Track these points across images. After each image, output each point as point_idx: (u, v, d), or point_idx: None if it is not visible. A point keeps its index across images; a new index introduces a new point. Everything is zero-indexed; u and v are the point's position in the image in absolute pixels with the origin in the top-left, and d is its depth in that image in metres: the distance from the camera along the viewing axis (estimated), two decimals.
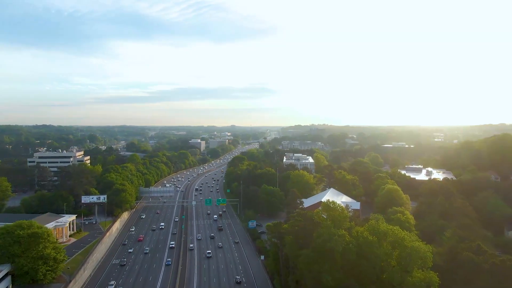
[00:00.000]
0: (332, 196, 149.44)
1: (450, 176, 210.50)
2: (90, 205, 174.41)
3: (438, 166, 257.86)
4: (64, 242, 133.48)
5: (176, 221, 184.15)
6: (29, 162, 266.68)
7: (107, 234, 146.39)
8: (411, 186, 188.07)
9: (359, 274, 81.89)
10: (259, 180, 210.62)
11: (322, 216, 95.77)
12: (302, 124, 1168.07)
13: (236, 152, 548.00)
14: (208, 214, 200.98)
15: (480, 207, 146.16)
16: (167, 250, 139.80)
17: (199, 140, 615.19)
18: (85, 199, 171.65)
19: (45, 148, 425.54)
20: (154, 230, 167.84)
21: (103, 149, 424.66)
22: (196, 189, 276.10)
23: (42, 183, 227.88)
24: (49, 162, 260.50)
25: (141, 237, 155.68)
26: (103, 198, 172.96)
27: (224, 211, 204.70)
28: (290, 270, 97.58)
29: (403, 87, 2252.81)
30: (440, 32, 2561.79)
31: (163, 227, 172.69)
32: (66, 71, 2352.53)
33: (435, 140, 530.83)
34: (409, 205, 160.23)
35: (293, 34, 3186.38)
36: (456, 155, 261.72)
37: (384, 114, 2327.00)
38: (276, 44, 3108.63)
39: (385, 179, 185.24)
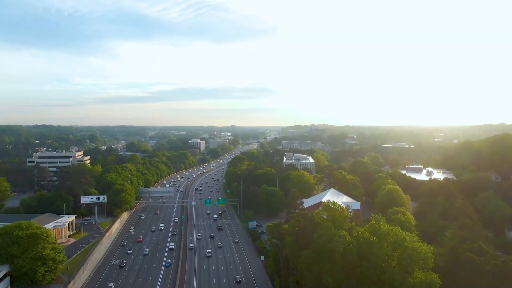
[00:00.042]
0: (332, 196, 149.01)
1: (450, 176, 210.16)
2: (90, 206, 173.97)
3: (438, 166, 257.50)
4: (64, 243, 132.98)
5: (176, 221, 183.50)
6: (29, 162, 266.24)
7: (107, 234, 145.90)
8: (411, 186, 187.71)
9: (359, 275, 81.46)
10: (259, 180, 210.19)
11: (323, 217, 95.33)
12: (302, 124, 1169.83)
13: (236, 152, 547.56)
14: (208, 214, 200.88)
15: (480, 207, 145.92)
16: (166, 251, 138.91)
17: (199, 140, 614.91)
18: (85, 200, 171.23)
19: (44, 148, 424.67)
20: (153, 231, 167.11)
21: (103, 149, 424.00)
22: (196, 189, 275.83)
23: (41, 183, 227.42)
24: (48, 162, 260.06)
25: (140, 238, 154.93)
26: (102, 198, 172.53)
27: (224, 211, 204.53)
28: (291, 270, 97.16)
29: (403, 87, 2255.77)
30: (440, 32, 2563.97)
31: (162, 228, 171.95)
32: (66, 71, 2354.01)
33: (435, 140, 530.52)
34: (410, 205, 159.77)
35: (293, 34, 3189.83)
36: (456, 155, 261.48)
37: (384, 114, 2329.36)
38: (276, 44, 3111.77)
39: (385, 179, 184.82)
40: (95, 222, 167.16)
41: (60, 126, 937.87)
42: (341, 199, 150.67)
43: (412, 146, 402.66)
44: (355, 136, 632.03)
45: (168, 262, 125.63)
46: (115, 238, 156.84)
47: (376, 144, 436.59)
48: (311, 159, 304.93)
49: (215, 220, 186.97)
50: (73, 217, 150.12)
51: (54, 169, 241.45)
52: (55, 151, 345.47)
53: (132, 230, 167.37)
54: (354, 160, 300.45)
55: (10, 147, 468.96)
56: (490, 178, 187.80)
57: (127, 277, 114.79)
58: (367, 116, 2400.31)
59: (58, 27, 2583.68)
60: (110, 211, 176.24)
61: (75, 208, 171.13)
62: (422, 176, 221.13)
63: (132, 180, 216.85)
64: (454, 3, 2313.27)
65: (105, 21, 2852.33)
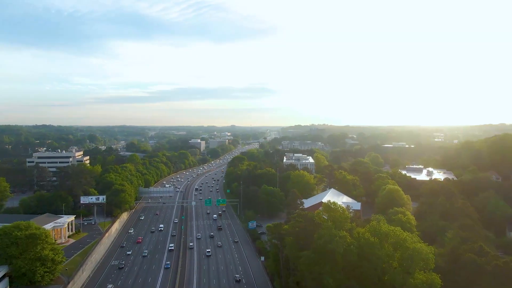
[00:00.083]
0: (332, 196, 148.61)
1: (451, 176, 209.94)
2: (89, 206, 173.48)
3: (438, 166, 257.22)
4: (63, 243, 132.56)
5: (176, 222, 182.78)
6: (28, 162, 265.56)
7: (106, 235, 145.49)
8: (411, 186, 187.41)
9: (360, 275, 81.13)
10: (259, 180, 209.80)
11: (323, 217, 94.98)
12: (302, 124, 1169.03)
13: (236, 152, 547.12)
14: (208, 213, 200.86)
15: (481, 208, 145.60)
16: (166, 253, 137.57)
17: (199, 140, 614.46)
18: (84, 200, 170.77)
19: (44, 148, 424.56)
20: (153, 232, 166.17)
21: (103, 149, 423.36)
22: (196, 189, 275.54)
23: (41, 183, 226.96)
24: (48, 162, 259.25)
25: (139, 239, 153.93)
26: (102, 198, 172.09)
27: (224, 211, 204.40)
28: (291, 271, 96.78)
29: (403, 87, 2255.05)
30: (440, 32, 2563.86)
31: (162, 228, 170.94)
32: (66, 71, 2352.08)
33: (435, 140, 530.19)
34: (410, 205, 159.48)
35: (293, 34, 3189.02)
36: (456, 155, 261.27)
37: (384, 114, 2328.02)
38: (276, 44, 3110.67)
39: (385, 179, 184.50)
40: (95, 223, 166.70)
41: (60, 126, 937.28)
42: (341, 199, 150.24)
43: (412, 146, 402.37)
44: (355, 136, 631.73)
45: (167, 264, 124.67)
46: (114, 238, 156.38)
47: (376, 144, 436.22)
48: (311, 159, 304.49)
49: (215, 220, 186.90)
50: (72, 218, 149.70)
51: (54, 169, 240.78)
52: (55, 151, 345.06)
53: (132, 230, 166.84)
54: (354, 160, 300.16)
55: (10, 147, 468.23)
56: (491, 178, 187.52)
57: (127, 278, 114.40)
58: (367, 116, 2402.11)
59: (58, 27, 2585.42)
60: (110, 211, 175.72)
61: (75, 209, 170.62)
62: (422, 176, 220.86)
63: (131, 180, 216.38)
64: (454, 3, 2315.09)
65: (105, 21, 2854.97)
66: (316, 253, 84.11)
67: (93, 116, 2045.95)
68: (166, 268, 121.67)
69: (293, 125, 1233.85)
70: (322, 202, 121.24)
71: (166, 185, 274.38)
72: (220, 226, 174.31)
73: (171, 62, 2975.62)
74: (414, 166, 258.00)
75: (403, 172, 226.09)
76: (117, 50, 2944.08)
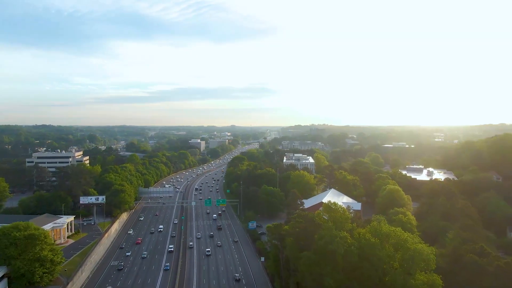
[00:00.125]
0: (333, 196, 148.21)
1: (451, 176, 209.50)
2: (89, 206, 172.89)
3: (438, 166, 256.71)
4: (62, 244, 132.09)
5: (175, 223, 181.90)
6: (28, 162, 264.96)
7: (106, 235, 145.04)
8: (412, 186, 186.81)
9: (361, 276, 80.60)
10: (259, 180, 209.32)
11: (323, 218, 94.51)
12: (302, 124, 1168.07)
13: (236, 152, 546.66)
14: (208, 213, 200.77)
15: (481, 208, 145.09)
16: (165, 254, 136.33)
17: (199, 140, 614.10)
18: (84, 200, 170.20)
19: (44, 148, 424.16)
20: (152, 233, 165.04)
21: (103, 149, 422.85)
22: (196, 189, 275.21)
23: (40, 183, 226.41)
24: (47, 163, 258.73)
25: (139, 240, 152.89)
26: (101, 198, 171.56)
27: (223, 211, 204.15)
28: (291, 272, 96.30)
29: (403, 87, 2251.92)
30: (440, 31, 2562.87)
31: (161, 229, 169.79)
32: (66, 71, 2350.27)
33: (435, 140, 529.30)
34: (411, 205, 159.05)
35: (293, 34, 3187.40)
36: (456, 155, 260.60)
37: (384, 114, 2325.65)
38: (276, 44, 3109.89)
39: (386, 180, 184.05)
40: (94, 223, 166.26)
41: (60, 126, 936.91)
42: (341, 200, 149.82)
43: (412, 146, 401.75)
44: (355, 136, 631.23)
45: (167, 266, 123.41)
46: (114, 239, 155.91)
47: (376, 144, 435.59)
48: (311, 159, 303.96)
49: (215, 219, 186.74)
50: (72, 218, 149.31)
51: (53, 169, 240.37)
52: (55, 151, 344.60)
53: (131, 231, 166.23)
54: (354, 160, 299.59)
55: (9, 147, 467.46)
56: (491, 179, 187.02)
57: (126, 278, 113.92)
58: (367, 116, 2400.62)
59: (58, 27, 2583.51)
60: (109, 211, 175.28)
61: (74, 209, 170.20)
62: (422, 177, 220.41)
63: (131, 181, 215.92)
64: (454, 3, 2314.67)
65: (105, 21, 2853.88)
66: (316, 254, 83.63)
67: (93, 116, 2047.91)
68: (165, 270, 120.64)
69: (293, 125, 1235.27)
70: (322, 202, 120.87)
71: (166, 186, 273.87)
72: (220, 226, 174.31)
73: (171, 62, 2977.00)
74: (415, 166, 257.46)
75: (404, 172, 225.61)
76: (117, 50, 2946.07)
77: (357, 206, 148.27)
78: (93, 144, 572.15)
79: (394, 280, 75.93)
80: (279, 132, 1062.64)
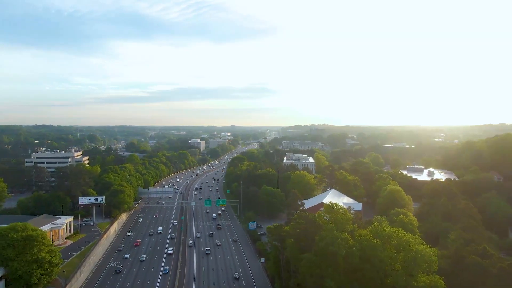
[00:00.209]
0: (333, 197, 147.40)
1: (452, 176, 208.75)
2: (88, 207, 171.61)
3: (439, 166, 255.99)
4: (61, 245, 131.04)
5: (175, 224, 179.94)
6: (27, 162, 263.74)
7: (105, 236, 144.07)
8: (413, 186, 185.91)
9: (362, 278, 79.71)
10: (259, 180, 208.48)
11: (324, 218, 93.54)
12: (302, 124, 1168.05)
13: (236, 152, 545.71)
14: (207, 213, 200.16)
15: (482, 208, 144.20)
16: (164, 257, 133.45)
17: (199, 140, 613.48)
18: (83, 200, 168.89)
19: (43, 148, 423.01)
20: (151, 235, 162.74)
21: (103, 149, 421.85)
22: (196, 189, 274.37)
23: (39, 184, 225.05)
24: (47, 163, 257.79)
25: (137, 241, 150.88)
26: (100, 199, 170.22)
27: (223, 210, 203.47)
28: (291, 273, 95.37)
29: (403, 87, 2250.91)
30: (440, 31, 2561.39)
31: (161, 231, 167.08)
32: (66, 71, 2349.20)
33: (436, 140, 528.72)
34: (412, 206, 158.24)
35: (293, 34, 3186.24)
36: (457, 155, 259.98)
37: (384, 114, 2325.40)
38: (276, 44, 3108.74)
39: (386, 180, 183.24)
40: (93, 224, 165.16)
41: (60, 126, 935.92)
42: (342, 200, 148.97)
43: (412, 146, 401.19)
44: (355, 136, 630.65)
45: (166, 269, 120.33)
46: (113, 240, 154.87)
47: (376, 144, 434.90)
48: (311, 159, 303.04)
49: (214, 219, 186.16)
50: (70, 219, 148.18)
51: (52, 170, 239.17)
52: (54, 151, 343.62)
53: (130, 233, 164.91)
54: (354, 160, 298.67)
55: (9, 147, 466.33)
56: (493, 179, 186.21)
57: (125, 280, 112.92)
58: (367, 116, 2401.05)
59: (58, 27, 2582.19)
60: (109, 212, 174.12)
61: (73, 209, 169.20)
62: (423, 177, 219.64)
63: (131, 181, 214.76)
64: (454, 3, 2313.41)
65: (105, 21, 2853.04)
66: (317, 255, 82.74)
67: (93, 116, 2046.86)
68: (164, 273, 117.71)
69: (293, 125, 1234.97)
70: (323, 202, 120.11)
71: (165, 186, 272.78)
72: (219, 225, 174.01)
73: (171, 62, 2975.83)
74: (415, 167, 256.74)
75: (404, 172, 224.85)
76: (117, 50, 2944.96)
77: (358, 206, 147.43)
78: (93, 144, 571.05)
79: (396, 281, 75.04)
80: (279, 132, 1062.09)
